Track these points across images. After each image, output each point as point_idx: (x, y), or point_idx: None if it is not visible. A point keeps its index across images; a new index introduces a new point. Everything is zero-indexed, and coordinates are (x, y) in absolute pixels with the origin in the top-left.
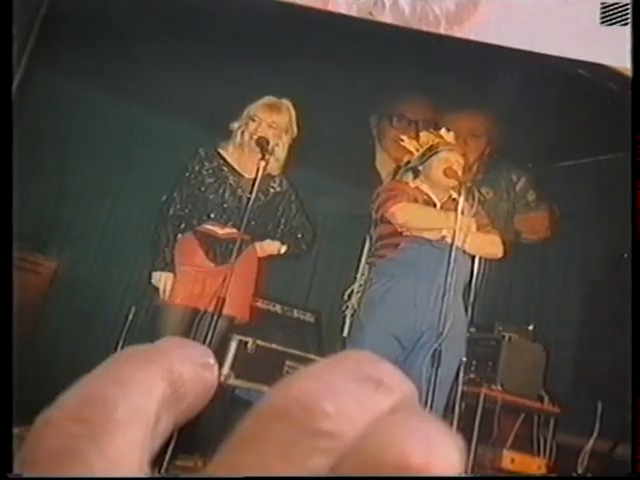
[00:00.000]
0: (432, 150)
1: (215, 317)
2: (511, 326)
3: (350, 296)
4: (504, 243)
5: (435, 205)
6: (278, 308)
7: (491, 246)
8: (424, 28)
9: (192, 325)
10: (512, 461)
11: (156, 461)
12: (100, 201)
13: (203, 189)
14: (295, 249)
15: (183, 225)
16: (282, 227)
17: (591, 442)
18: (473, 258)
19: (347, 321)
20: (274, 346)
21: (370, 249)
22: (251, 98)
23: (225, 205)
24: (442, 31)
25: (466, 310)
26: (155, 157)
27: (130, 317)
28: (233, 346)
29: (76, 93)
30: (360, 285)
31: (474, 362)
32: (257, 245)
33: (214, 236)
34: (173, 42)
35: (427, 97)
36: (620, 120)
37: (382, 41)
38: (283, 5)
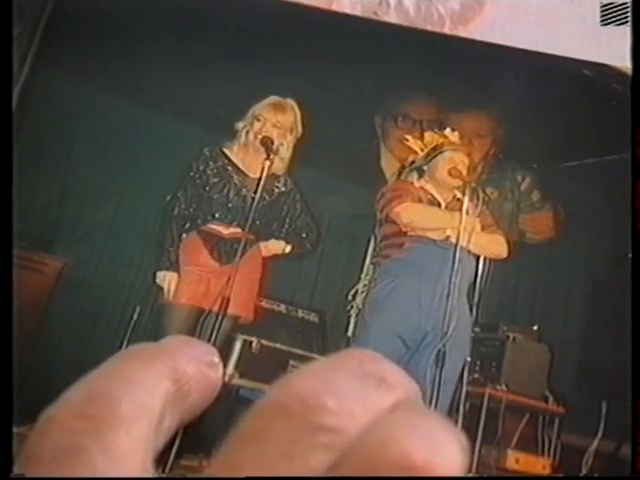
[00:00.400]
0: (437, 150)
1: (219, 317)
2: (515, 326)
3: (354, 296)
4: (508, 243)
5: (440, 205)
6: (282, 308)
7: (496, 246)
8: (429, 28)
9: (196, 324)
10: (517, 461)
11: (160, 460)
12: (105, 201)
13: (208, 189)
14: (300, 249)
15: (188, 225)
16: (287, 227)
17: (596, 442)
18: (478, 258)
19: (351, 321)
20: (278, 346)
21: (375, 249)
22: (256, 98)
23: (230, 205)
24: (447, 31)
25: (470, 310)
26: (160, 157)
27: (135, 317)
28: (237, 346)
29: (80, 93)
30: (364, 285)
31: (478, 362)
32: (262, 245)
33: (219, 236)
34: (177, 42)
35: (432, 97)
36: (624, 120)
37: (386, 41)
38: (287, 5)
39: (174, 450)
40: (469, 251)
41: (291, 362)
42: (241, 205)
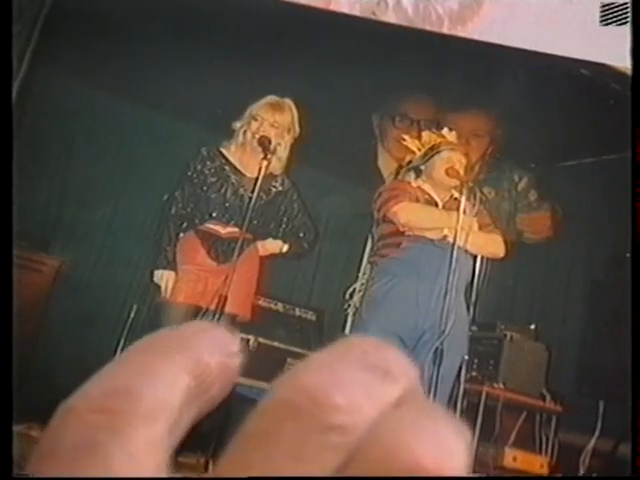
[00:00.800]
0: (434, 150)
1: (217, 315)
2: (513, 325)
3: (352, 295)
4: (506, 243)
5: (437, 205)
6: (280, 306)
7: (493, 246)
8: (427, 28)
9: None
10: (514, 459)
11: None
12: (103, 200)
13: (205, 188)
14: (297, 248)
15: (185, 224)
16: (284, 226)
17: (593, 441)
18: (475, 257)
19: (349, 319)
20: (276, 344)
21: (372, 248)
22: (253, 97)
23: (227, 204)
24: (445, 31)
25: (468, 309)
26: (157, 156)
27: (132, 315)
28: None
29: (79, 92)
30: (362, 284)
31: (476, 360)
32: (259, 244)
33: (216, 235)
34: (176, 41)
35: (429, 97)
36: (623, 120)
37: (385, 41)
38: (285, 4)
39: None
40: (466, 251)
41: (288, 360)
42: (238, 204)
